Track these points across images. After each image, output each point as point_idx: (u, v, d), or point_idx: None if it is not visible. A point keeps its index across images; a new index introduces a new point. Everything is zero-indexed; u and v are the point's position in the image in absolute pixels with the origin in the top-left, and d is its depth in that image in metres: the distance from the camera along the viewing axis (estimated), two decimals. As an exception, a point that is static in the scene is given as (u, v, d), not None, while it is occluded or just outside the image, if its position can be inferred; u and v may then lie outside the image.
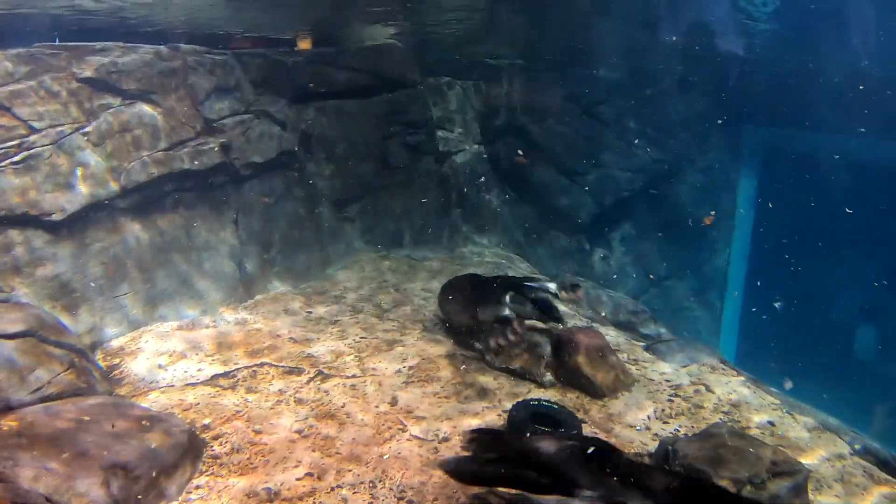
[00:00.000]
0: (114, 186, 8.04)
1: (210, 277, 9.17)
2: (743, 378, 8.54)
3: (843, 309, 15.62)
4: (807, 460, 6.53)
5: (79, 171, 7.78)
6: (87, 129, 7.99)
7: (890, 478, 6.58)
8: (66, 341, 6.46)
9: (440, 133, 13.74)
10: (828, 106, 13.35)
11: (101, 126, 8.10)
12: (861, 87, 12.42)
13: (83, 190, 7.77)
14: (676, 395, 7.85)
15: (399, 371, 7.80)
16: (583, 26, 12.84)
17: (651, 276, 15.18)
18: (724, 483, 5.26)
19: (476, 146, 14.46)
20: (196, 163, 8.87)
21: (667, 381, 8.27)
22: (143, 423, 5.56)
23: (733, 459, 5.54)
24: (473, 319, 8.66)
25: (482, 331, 8.52)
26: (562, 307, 10.33)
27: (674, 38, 12.67)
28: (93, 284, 7.82)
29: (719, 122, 15.16)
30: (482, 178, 14.46)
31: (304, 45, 12.01)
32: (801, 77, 13.67)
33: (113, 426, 5.36)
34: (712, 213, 14.91)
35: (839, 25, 11.26)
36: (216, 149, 9.15)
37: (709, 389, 8.08)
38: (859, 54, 11.79)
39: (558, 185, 14.66)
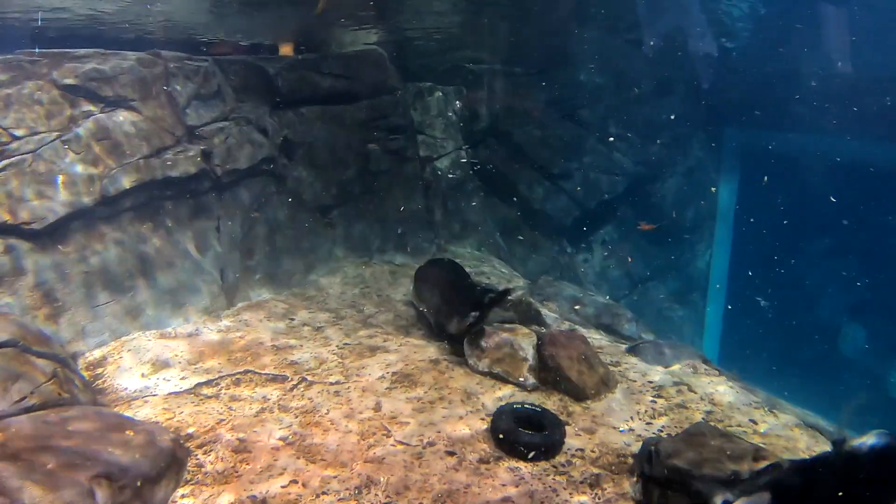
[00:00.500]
0: (95, 194, 8.00)
1: (192, 285, 9.14)
2: (725, 377, 8.61)
3: (823, 307, 15.79)
4: (789, 457, 6.58)
5: (60, 180, 7.74)
6: (68, 137, 7.96)
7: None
8: (48, 351, 6.43)
9: (421, 138, 13.77)
10: (806, 107, 13.51)
11: (82, 134, 8.07)
12: (837, 89, 12.58)
13: (64, 198, 7.73)
14: (659, 396, 7.91)
15: (383, 377, 7.81)
16: (564, 32, 12.94)
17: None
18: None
19: (457, 151, 14.48)
20: (177, 170, 8.84)
21: (649, 381, 8.32)
22: (127, 432, 5.54)
23: (716, 458, 5.58)
24: (446, 318, 8.84)
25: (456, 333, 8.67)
26: (543, 311, 10.38)
27: (651, 43, 12.77)
28: (75, 294, 7.78)
29: (686, 124, 15.27)
30: (463, 183, 14.48)
31: (286, 50, 12.02)
32: (779, 79, 13.82)
33: (96, 436, 5.34)
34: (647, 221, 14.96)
35: (816, 29, 11.41)
36: (197, 156, 9.13)
37: (691, 389, 8.14)
38: (835, 57, 11.95)
39: (540, 189, 14.73)
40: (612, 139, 14.95)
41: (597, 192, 14.83)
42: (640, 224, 14.80)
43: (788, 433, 7.26)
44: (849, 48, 11.70)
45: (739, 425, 7.34)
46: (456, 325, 8.61)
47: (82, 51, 8.50)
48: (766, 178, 15.00)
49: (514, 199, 14.79)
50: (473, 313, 8.40)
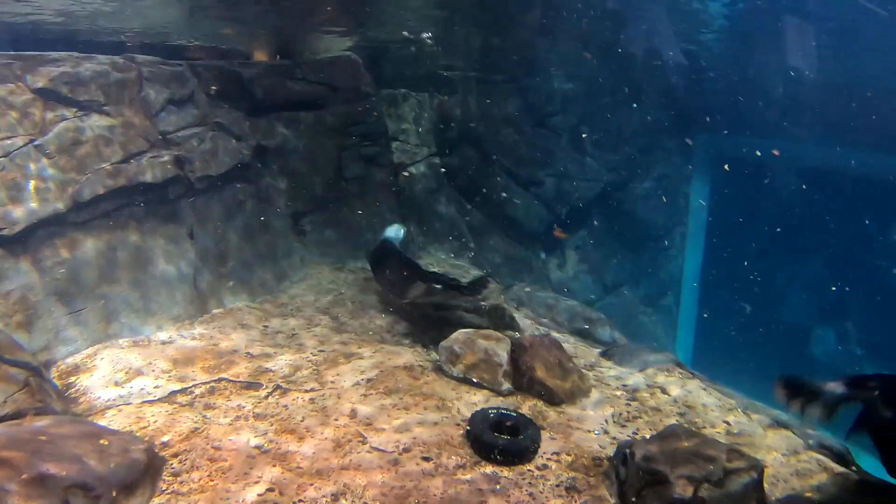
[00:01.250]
0: (67, 200, 7.91)
1: (165, 293, 9.06)
2: (698, 380, 8.71)
3: (795, 310, 16.01)
4: (763, 457, 6.68)
5: (32, 185, 7.65)
6: (40, 142, 7.86)
7: (845, 469, 6.77)
8: (20, 359, 6.36)
9: (395, 144, 13.79)
10: (775, 114, 13.71)
11: (54, 138, 7.97)
12: (805, 96, 12.79)
13: (36, 204, 7.63)
14: (633, 399, 7.98)
15: (357, 383, 7.80)
16: (536, 41, 13.03)
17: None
18: (680, 482, 5.37)
19: (431, 157, 14.53)
20: (150, 176, 8.77)
21: (623, 385, 8.40)
22: (101, 441, 5.48)
23: (690, 459, 5.65)
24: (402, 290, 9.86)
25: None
26: (517, 316, 10.43)
27: (621, 50, 12.90)
28: (47, 301, 7.68)
29: (658, 130, 15.42)
30: (437, 189, 14.52)
31: (261, 56, 11.99)
32: (750, 86, 14.02)
33: (70, 445, 5.28)
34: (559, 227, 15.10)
35: (783, 39, 11.61)
36: (171, 162, 9.06)
37: (665, 392, 8.22)
38: (801, 65, 12.16)
39: (513, 195, 14.81)
40: (584, 145, 15.06)
41: (569, 198, 14.94)
42: (555, 229, 14.93)
43: (762, 433, 7.35)
44: (814, 57, 11.91)
45: (713, 426, 7.43)
46: (412, 294, 9.49)
47: (56, 54, 8.40)
48: (728, 203, 15.26)
49: (488, 205, 14.85)
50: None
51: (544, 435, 6.86)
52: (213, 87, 10.07)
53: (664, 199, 15.70)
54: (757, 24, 11.23)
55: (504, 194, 14.80)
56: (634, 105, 15.06)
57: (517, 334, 9.31)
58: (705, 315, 16.78)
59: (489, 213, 14.87)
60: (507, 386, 7.83)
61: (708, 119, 15.48)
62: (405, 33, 11.18)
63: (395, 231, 11.46)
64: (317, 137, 11.74)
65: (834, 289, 15.06)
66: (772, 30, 11.25)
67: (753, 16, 10.92)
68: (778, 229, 15.23)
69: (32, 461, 4.91)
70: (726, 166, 15.16)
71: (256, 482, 5.77)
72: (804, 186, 14.34)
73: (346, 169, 12.26)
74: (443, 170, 14.73)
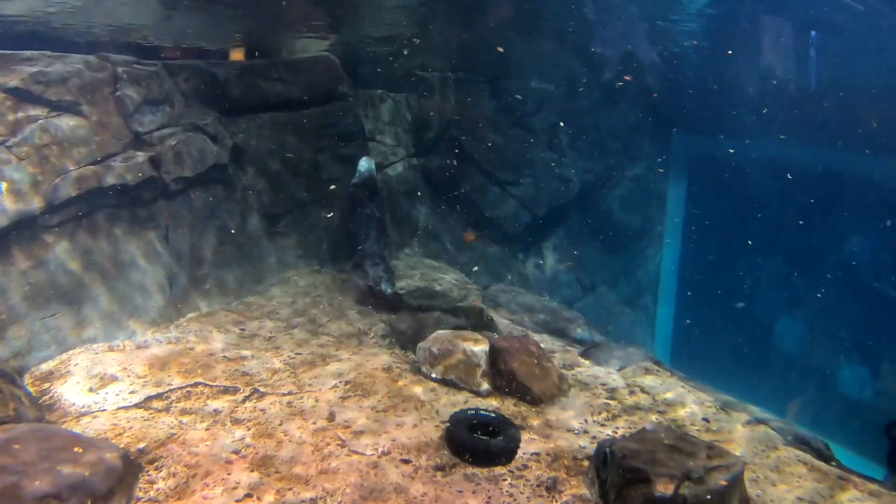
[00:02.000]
0: (40, 202, 7.77)
1: (141, 296, 8.96)
2: (676, 378, 8.76)
3: (772, 308, 16.12)
4: (742, 453, 6.72)
5: (3, 187, 7.51)
6: (11, 143, 7.72)
7: (823, 464, 6.83)
8: (-9, 366, 6.26)
9: (372, 145, 13.72)
10: (750, 114, 13.80)
11: (27, 139, 7.82)
12: (781, 96, 12.89)
13: (8, 206, 7.49)
14: (612, 398, 8.00)
15: (336, 386, 7.76)
16: (514, 41, 13.02)
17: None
18: (661, 480, 5.37)
19: (408, 158, 14.47)
20: (125, 177, 8.64)
21: (602, 384, 8.41)
22: (76, 450, 5.40)
23: (670, 457, 5.66)
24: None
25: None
26: (496, 317, 10.42)
27: (596, 50, 12.92)
28: (19, 306, 7.55)
29: (635, 130, 15.48)
30: (414, 190, 14.47)
31: (237, 56, 11.88)
32: (726, 87, 14.09)
33: (44, 455, 5.19)
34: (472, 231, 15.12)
35: (760, 39, 11.70)
36: (145, 163, 8.94)
37: (644, 391, 8.25)
38: (775, 67, 12.24)
39: (491, 196, 14.80)
40: (562, 146, 15.07)
41: (547, 198, 14.93)
42: (466, 231, 14.92)
43: (741, 429, 7.40)
44: (791, 57, 12.00)
45: (692, 424, 7.46)
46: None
47: (28, 53, 8.25)
48: (704, 202, 15.25)
49: (465, 206, 14.82)
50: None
51: (524, 435, 6.85)
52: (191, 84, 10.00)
53: (641, 198, 15.77)
54: (736, 24, 11.29)
55: (482, 195, 14.77)
56: (612, 106, 15.11)
57: (496, 335, 9.29)
58: (688, 321, 16.86)
59: (467, 214, 14.84)
60: (485, 386, 7.82)
61: (684, 119, 15.55)
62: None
63: (367, 163, 11.66)
64: (294, 138, 11.66)
65: (819, 295, 15.17)
66: (748, 28, 11.32)
67: (731, 14, 10.98)
68: (755, 227, 15.33)
69: (3, 471, 4.82)
70: (731, 150, 15.16)
71: (234, 488, 5.71)
72: (780, 185, 14.44)
73: (323, 170, 12.17)
74: (422, 170, 14.68)
